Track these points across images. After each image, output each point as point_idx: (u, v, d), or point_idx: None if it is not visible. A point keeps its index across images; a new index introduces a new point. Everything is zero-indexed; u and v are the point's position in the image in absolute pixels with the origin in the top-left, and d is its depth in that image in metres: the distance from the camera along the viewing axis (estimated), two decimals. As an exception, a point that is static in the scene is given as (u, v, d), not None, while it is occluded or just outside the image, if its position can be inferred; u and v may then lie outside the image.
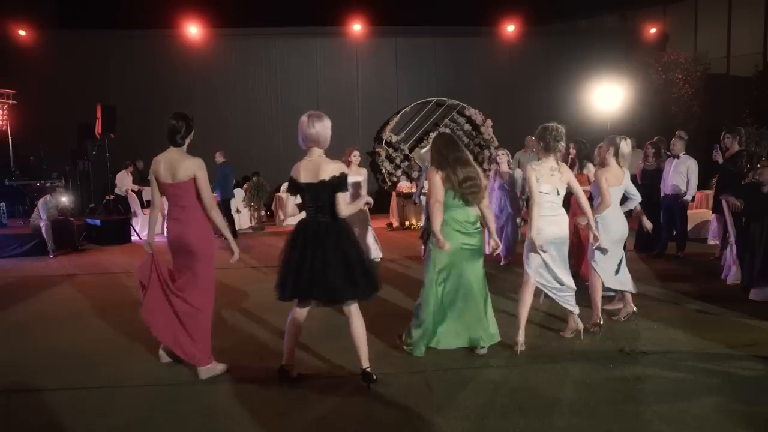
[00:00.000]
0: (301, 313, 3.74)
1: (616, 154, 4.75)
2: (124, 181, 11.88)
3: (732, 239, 6.25)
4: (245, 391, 3.69)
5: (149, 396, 3.70)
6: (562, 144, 4.27)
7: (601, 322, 4.72)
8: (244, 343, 4.66)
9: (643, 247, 8.05)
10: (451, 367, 4.00)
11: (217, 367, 3.96)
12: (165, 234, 4.02)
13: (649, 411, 3.30)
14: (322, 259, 3.47)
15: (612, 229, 4.68)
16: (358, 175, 7.23)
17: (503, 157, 7.40)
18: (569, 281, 4.35)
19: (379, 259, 7.15)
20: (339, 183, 3.52)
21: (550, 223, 4.18)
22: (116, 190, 11.87)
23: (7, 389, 3.86)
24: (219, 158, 10.49)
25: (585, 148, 6.28)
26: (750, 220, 5.79)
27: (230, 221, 10.11)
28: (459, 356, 4.20)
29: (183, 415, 3.43)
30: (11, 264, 8.70)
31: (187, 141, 3.92)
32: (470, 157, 4.21)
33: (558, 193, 4.22)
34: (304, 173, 3.57)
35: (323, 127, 3.57)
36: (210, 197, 3.89)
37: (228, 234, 3.91)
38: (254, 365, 4.14)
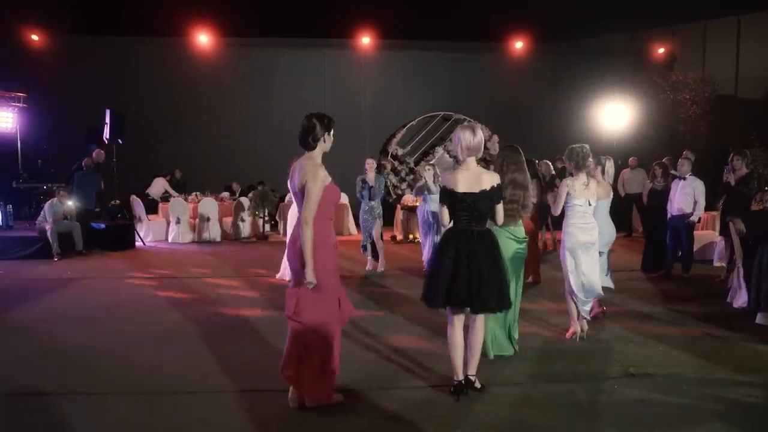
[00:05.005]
0: (460, 320, 3.70)
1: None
2: (160, 187, 12.51)
3: (739, 262, 6.21)
4: (248, 403, 3.66)
5: (151, 403, 3.68)
6: (590, 161, 4.87)
7: (579, 330, 4.90)
8: (248, 355, 4.64)
9: (648, 267, 8.03)
10: (454, 383, 3.96)
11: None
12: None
13: (654, 435, 3.26)
14: (478, 268, 3.53)
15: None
16: None
17: (429, 172, 7.69)
18: (596, 284, 4.85)
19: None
20: (497, 193, 3.64)
21: (580, 230, 4.77)
22: (150, 193, 12.51)
23: (9, 392, 3.84)
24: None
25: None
26: (756, 243, 5.75)
27: None
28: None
29: (183, 423, 3.41)
30: (16, 266, 8.72)
31: (319, 144, 3.49)
32: (526, 177, 4.47)
33: (590, 204, 4.81)
34: (462, 183, 3.59)
35: (481, 138, 3.66)
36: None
37: None
38: (258, 377, 4.11)
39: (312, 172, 3.36)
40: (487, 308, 3.63)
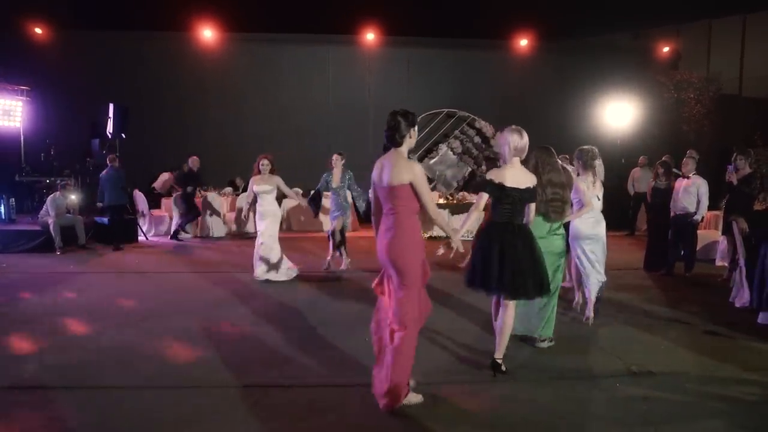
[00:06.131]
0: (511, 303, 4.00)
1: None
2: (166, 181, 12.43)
3: (741, 261, 6.20)
4: (252, 396, 3.67)
5: (154, 397, 3.69)
6: (597, 162, 5.29)
7: (581, 300, 5.53)
8: (252, 348, 4.65)
9: (650, 266, 8.03)
10: (458, 381, 3.98)
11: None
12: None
13: (656, 433, 3.26)
14: (519, 259, 3.86)
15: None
16: (267, 184, 7.10)
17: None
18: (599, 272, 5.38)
19: (293, 277, 7.17)
20: (534, 193, 4.01)
21: (587, 224, 5.26)
22: (156, 187, 12.44)
23: (12, 385, 3.86)
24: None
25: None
26: (759, 243, 5.74)
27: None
28: (466, 369, 4.18)
29: (187, 417, 3.42)
30: (19, 259, 8.74)
31: (405, 140, 3.56)
32: (560, 176, 4.63)
33: (599, 199, 5.27)
34: (510, 179, 3.88)
35: (527, 140, 3.93)
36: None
37: None
38: (263, 371, 4.13)
39: (409, 168, 3.45)
40: (526, 295, 3.96)
